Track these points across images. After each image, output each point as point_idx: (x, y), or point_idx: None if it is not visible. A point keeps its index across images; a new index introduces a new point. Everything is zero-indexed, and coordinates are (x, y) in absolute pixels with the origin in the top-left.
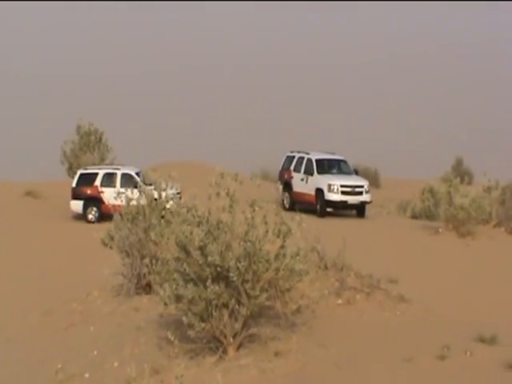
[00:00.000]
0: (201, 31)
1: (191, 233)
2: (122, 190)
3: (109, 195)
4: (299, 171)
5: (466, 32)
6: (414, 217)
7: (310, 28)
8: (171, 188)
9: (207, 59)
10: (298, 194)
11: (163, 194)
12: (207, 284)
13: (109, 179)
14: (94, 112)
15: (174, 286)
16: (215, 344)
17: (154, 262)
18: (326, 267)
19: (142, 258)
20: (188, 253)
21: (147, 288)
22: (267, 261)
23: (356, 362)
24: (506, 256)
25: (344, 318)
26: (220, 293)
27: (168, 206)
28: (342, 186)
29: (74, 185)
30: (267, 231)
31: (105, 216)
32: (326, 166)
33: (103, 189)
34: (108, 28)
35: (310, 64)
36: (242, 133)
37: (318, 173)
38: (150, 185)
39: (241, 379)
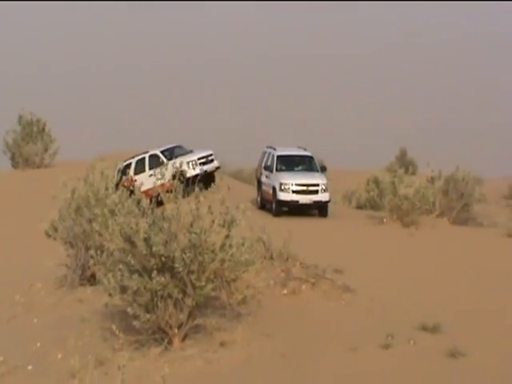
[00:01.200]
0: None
1: (136, 224)
2: (151, 172)
3: (139, 182)
4: (266, 168)
5: (415, 18)
6: (359, 207)
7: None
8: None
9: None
10: (264, 192)
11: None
12: (152, 275)
13: (140, 165)
14: (42, 103)
15: (119, 277)
16: (160, 335)
17: (98, 252)
18: (271, 257)
19: (87, 249)
20: (133, 244)
21: (92, 279)
22: (213, 251)
23: (302, 352)
24: (449, 245)
25: (289, 308)
26: (165, 284)
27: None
28: (294, 185)
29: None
30: (213, 221)
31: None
32: (287, 163)
33: (136, 177)
34: (43, 19)
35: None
36: (200, 123)
37: (277, 170)
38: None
39: (186, 370)
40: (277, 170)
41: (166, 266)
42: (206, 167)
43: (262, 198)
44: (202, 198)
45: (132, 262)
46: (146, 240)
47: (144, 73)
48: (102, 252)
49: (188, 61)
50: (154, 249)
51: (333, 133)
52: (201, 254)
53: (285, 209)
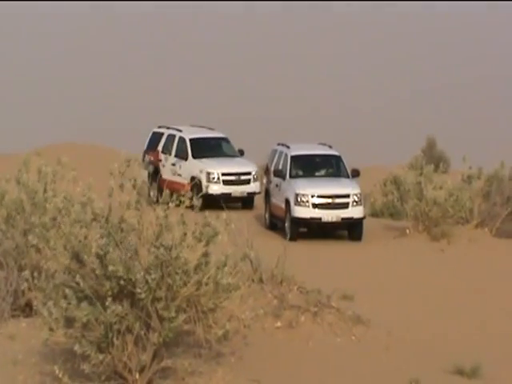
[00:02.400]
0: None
1: (86, 237)
2: (174, 161)
3: (163, 164)
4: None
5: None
6: (375, 214)
7: None
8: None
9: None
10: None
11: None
12: (107, 303)
13: (168, 143)
14: None
15: (64, 306)
16: (117, 381)
17: (36, 274)
18: (261, 280)
19: (21, 269)
20: (82, 262)
21: (27, 309)
22: (185, 272)
23: None
24: (491, 264)
25: (285, 345)
26: (123, 314)
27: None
28: (315, 197)
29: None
30: (185, 234)
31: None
32: (305, 167)
33: (162, 156)
34: None
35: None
36: (152, 111)
37: (291, 176)
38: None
39: None
40: (291, 176)
41: (125, 292)
42: (239, 188)
43: (270, 215)
44: (171, 204)
45: (81, 285)
46: (100, 257)
47: (89, 60)
48: (41, 273)
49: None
50: (109, 268)
51: (340, 120)
52: (170, 276)
53: (303, 229)
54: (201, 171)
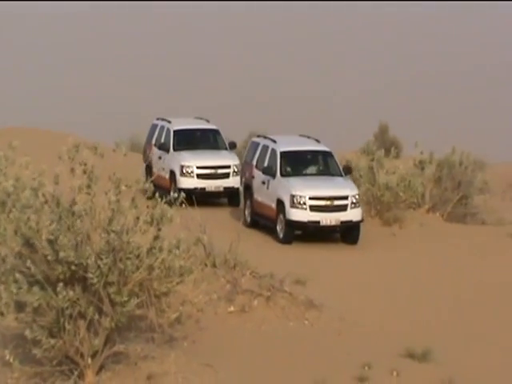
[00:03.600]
0: None
1: (37, 222)
2: (160, 154)
3: (154, 158)
4: (264, 170)
5: None
6: None
7: None
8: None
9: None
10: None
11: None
12: (58, 288)
13: (159, 136)
14: None
15: (14, 291)
16: (69, 366)
17: None
18: (214, 265)
19: None
20: (33, 247)
21: None
22: (137, 256)
23: None
24: (441, 248)
25: (237, 329)
26: (75, 299)
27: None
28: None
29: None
30: (137, 218)
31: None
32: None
33: (154, 149)
34: None
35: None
36: (101, 94)
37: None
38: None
39: None
40: (282, 174)
41: (77, 276)
42: (215, 183)
43: (254, 213)
44: (123, 188)
45: (32, 270)
46: (51, 242)
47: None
48: None
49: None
50: (60, 254)
51: (292, 107)
52: (122, 261)
53: (298, 232)
54: (176, 164)
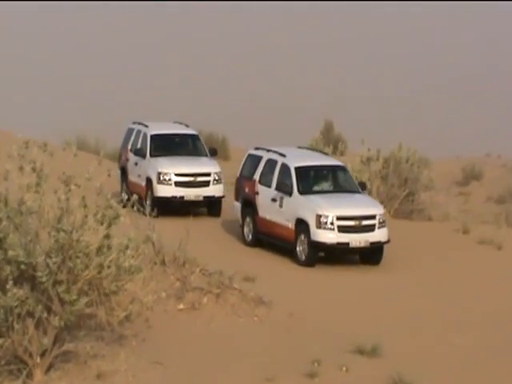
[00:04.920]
0: None
1: None
2: (136, 160)
3: (130, 164)
4: (278, 187)
5: None
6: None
7: None
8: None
9: None
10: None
11: None
12: (7, 286)
13: (136, 140)
14: None
15: None
16: (17, 365)
17: None
18: (163, 263)
19: None
20: None
21: None
22: (87, 255)
23: None
24: (389, 244)
25: (187, 327)
26: (24, 298)
27: None
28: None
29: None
30: (87, 216)
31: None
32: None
33: (130, 155)
34: None
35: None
36: (49, 92)
37: (152, 155)
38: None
39: None
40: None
41: (26, 275)
42: (194, 191)
43: (257, 231)
44: (72, 187)
45: None
46: (0, 241)
47: None
48: None
49: None
50: (9, 253)
51: (236, 104)
52: (71, 259)
53: (321, 254)
54: (153, 171)
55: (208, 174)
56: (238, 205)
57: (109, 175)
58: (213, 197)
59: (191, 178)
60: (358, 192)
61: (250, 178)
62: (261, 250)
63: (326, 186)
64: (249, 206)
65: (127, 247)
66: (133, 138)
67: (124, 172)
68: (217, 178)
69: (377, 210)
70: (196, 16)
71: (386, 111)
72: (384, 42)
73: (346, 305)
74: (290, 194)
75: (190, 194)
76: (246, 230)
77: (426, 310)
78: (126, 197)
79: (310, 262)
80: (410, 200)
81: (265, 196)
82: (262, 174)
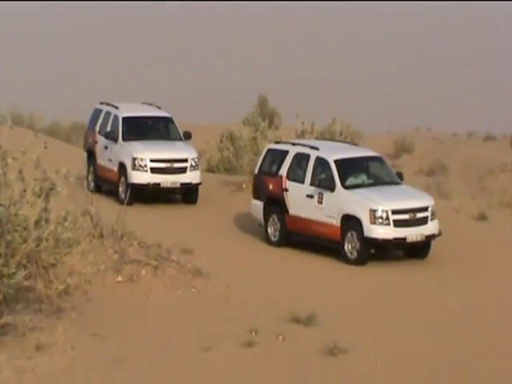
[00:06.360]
0: None
1: None
2: (106, 143)
3: (99, 148)
4: (319, 184)
5: None
6: (211, 170)
7: None
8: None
9: None
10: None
11: None
12: None
13: (105, 122)
14: None
15: None
16: None
17: None
18: (101, 236)
19: None
20: None
21: None
22: (25, 228)
23: (142, 355)
24: None
25: (125, 299)
26: None
27: None
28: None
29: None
30: (24, 190)
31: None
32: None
33: (98, 137)
34: None
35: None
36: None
37: (125, 139)
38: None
39: None
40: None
41: None
42: (171, 178)
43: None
44: (10, 160)
45: None
46: None
47: None
48: None
49: None
50: None
51: (173, 80)
52: (9, 233)
53: (372, 251)
54: (127, 156)
55: (185, 160)
56: (258, 203)
57: (45, 147)
58: (190, 184)
59: (168, 164)
60: (399, 183)
61: (274, 174)
62: (198, 222)
63: (367, 178)
64: (274, 204)
65: (65, 219)
66: (101, 119)
67: (91, 155)
68: (194, 164)
69: (428, 201)
70: None
71: (321, 88)
72: (318, 23)
73: (282, 276)
74: (331, 189)
75: (167, 180)
76: (270, 229)
77: (358, 278)
78: (92, 183)
79: (362, 260)
80: None
81: (296, 192)
82: (290, 169)
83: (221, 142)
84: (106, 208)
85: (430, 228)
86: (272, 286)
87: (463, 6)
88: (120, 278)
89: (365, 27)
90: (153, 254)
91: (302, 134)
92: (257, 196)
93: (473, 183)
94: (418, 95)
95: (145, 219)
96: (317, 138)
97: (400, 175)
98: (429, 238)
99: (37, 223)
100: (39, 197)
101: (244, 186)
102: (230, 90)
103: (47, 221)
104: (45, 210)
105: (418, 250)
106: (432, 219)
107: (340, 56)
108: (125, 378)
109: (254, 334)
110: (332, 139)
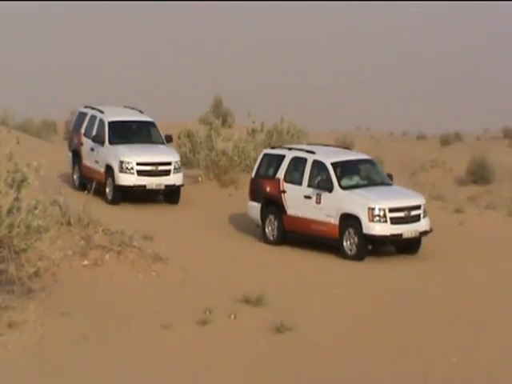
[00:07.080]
0: None
1: None
2: (92, 145)
3: (85, 149)
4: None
5: None
6: None
7: None
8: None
9: None
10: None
11: None
12: None
13: (90, 125)
14: None
15: None
16: None
17: None
18: (69, 223)
19: None
20: None
21: None
22: None
23: (105, 333)
24: None
25: (91, 281)
26: None
27: None
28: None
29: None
30: None
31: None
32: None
33: (84, 139)
34: None
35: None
36: None
37: (111, 142)
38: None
39: None
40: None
41: None
42: (156, 180)
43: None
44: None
45: None
46: None
47: None
48: None
49: None
50: None
51: (130, 81)
52: None
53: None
54: (114, 159)
55: (169, 163)
56: (256, 205)
57: (17, 142)
58: (173, 185)
59: (153, 167)
60: (391, 184)
61: (271, 177)
62: (157, 211)
63: (361, 179)
64: (272, 205)
65: (36, 208)
66: (86, 122)
67: (76, 155)
68: (177, 166)
69: (421, 200)
70: None
71: (270, 87)
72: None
73: (235, 260)
74: (329, 189)
75: (152, 182)
76: (268, 229)
77: (306, 259)
78: (77, 181)
79: (360, 255)
80: None
81: (294, 194)
82: (287, 172)
83: (179, 138)
84: (73, 198)
85: (423, 225)
86: (225, 268)
87: None
88: (86, 262)
89: (308, 28)
90: (116, 241)
91: (253, 132)
92: (254, 198)
93: (407, 178)
94: (359, 97)
95: (110, 206)
96: (308, 144)
97: (390, 176)
98: (422, 234)
99: (9, 211)
100: (11, 187)
101: (200, 178)
102: (187, 90)
103: (19, 209)
104: (17, 199)
105: (409, 246)
106: (424, 216)
107: (290, 58)
108: (89, 352)
109: (208, 313)
110: (326, 144)
